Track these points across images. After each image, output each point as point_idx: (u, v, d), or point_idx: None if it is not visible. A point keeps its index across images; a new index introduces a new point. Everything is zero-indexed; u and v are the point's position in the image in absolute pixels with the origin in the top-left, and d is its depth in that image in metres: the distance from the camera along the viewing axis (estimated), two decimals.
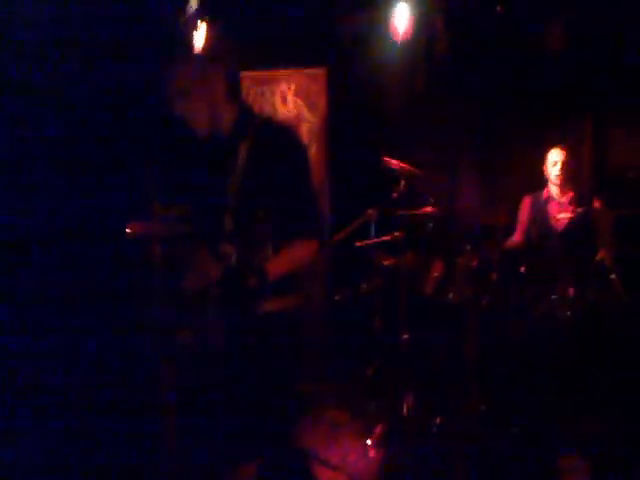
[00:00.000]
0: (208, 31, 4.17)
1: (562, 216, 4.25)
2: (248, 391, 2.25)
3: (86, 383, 3.44)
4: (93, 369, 3.49)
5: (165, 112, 2.46)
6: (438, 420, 3.75)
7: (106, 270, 3.68)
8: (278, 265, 2.22)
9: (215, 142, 2.38)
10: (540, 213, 4.37)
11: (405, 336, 4.01)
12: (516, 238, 4.42)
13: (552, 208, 4.36)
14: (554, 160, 4.32)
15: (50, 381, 3.43)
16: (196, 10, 4.15)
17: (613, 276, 3.91)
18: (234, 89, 2.39)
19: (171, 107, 2.36)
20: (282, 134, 2.34)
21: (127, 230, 2.93)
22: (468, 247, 3.99)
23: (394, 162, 4.20)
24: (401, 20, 4.69)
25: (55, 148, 3.82)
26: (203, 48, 3.97)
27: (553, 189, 4.38)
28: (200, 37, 4.14)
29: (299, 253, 2.29)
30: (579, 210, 4.19)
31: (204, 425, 2.29)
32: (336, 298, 4.41)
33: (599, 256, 4.05)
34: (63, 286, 3.60)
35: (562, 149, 4.33)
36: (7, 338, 3.36)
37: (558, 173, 4.30)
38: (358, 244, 4.20)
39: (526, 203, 4.47)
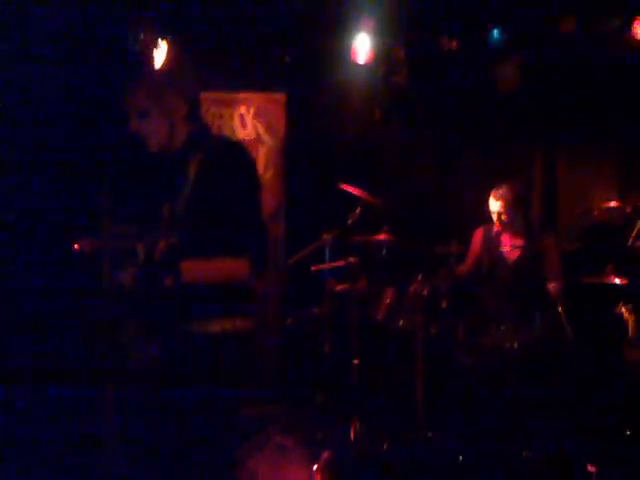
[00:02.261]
0: (169, 50, 4.18)
1: (512, 248, 4.31)
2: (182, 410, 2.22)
3: None
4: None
5: (120, 129, 2.45)
6: (385, 446, 3.76)
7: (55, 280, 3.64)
8: (194, 268, 2.17)
9: (166, 157, 2.37)
10: (491, 244, 4.43)
11: (355, 361, 4.02)
12: (467, 267, 4.48)
13: (504, 240, 4.42)
14: (492, 210, 4.26)
15: None
16: (157, 29, 4.14)
17: (560, 309, 4.00)
18: (193, 109, 2.39)
19: (128, 125, 2.35)
20: (232, 151, 2.34)
21: (75, 246, 2.89)
22: (420, 275, 4.04)
23: (350, 188, 4.25)
24: (362, 48, 4.77)
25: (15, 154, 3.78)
26: (163, 67, 3.99)
27: (498, 228, 4.39)
28: (160, 56, 4.15)
29: (222, 265, 2.24)
30: (529, 244, 4.27)
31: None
32: (288, 321, 4.40)
33: (548, 287, 4.14)
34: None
35: (498, 198, 4.20)
36: None
37: (496, 222, 4.25)
38: (313, 268, 4.21)
39: (478, 234, 4.51)
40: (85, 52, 3.95)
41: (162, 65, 3.96)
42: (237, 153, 2.34)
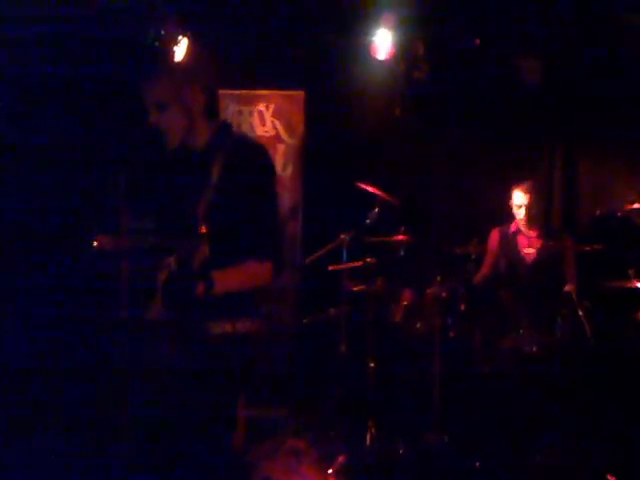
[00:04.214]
0: (189, 46, 4.15)
1: (529, 251, 4.26)
2: (187, 412, 2.20)
3: None
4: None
5: (140, 124, 2.43)
6: (401, 450, 3.73)
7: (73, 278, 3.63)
8: (226, 277, 2.18)
9: (189, 156, 2.35)
10: (509, 246, 4.38)
11: (371, 364, 3.98)
12: (484, 270, 4.42)
13: (520, 241, 4.37)
14: (518, 203, 4.25)
15: None
16: (177, 26, 4.12)
17: (580, 312, 3.93)
18: (212, 105, 2.37)
19: (147, 119, 2.32)
20: (256, 155, 2.33)
21: (94, 243, 2.87)
22: (438, 277, 3.99)
23: (368, 187, 4.20)
24: (382, 45, 4.71)
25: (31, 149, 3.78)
26: (182, 62, 3.97)
27: (521, 223, 4.36)
28: (180, 51, 4.12)
29: (250, 271, 2.24)
30: (547, 244, 4.21)
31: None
32: (304, 322, 4.38)
33: (566, 289, 4.08)
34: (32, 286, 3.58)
35: (526, 192, 4.21)
36: None
37: (522, 216, 4.25)
38: (331, 268, 4.17)
39: (495, 235, 4.46)
40: (105, 47, 3.94)
41: (182, 60, 3.93)
42: (261, 157, 2.32)
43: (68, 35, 3.86)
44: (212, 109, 2.38)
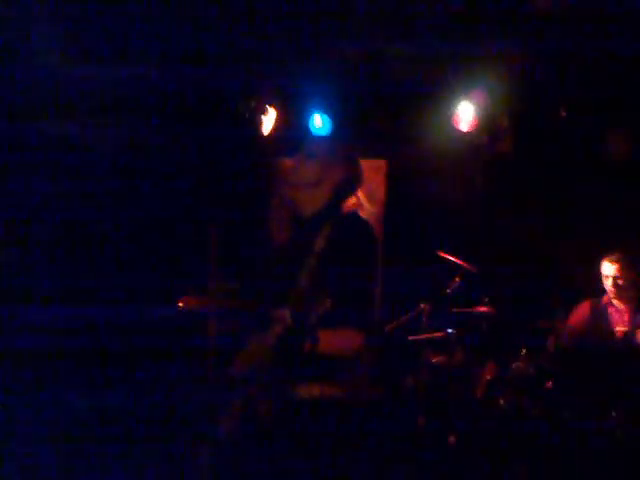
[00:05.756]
0: (277, 116, 4.29)
1: (620, 328, 4.08)
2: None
3: None
4: None
5: (233, 190, 2.50)
6: None
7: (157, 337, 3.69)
8: (328, 339, 2.18)
9: (296, 223, 2.38)
10: (600, 319, 4.20)
11: (452, 439, 3.84)
12: (564, 343, 4.21)
13: (612, 315, 4.19)
14: (606, 274, 4.15)
15: None
16: (266, 96, 4.27)
17: None
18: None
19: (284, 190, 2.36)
20: (363, 230, 2.35)
21: (179, 304, 2.92)
22: (524, 351, 3.84)
23: (449, 257, 4.16)
24: (465, 116, 4.74)
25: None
26: (270, 132, 4.09)
27: (611, 295, 4.20)
28: (269, 121, 4.26)
29: (348, 337, 2.25)
30: (637, 319, 4.03)
31: None
32: (381, 390, 4.28)
33: None
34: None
35: (614, 262, 4.12)
36: None
37: (610, 287, 4.13)
38: (411, 338, 4.09)
39: (585, 308, 4.29)
40: (199, 116, 4.10)
41: (269, 129, 4.06)
42: (365, 231, 2.34)
43: (165, 101, 4.04)
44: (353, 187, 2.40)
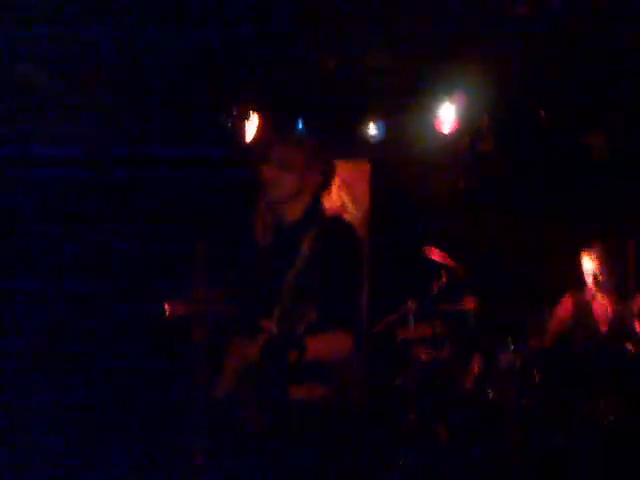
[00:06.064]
0: (260, 122, 4.35)
1: (604, 321, 4.13)
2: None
3: None
4: None
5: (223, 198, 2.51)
6: None
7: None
8: (315, 345, 2.20)
9: (280, 229, 2.40)
10: (584, 313, 4.24)
11: (442, 432, 3.88)
12: (550, 337, 4.26)
13: (596, 308, 4.23)
14: (586, 270, 4.16)
15: None
16: (248, 101, 4.33)
17: None
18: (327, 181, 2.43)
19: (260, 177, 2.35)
20: (348, 232, 2.37)
21: (166, 309, 2.95)
22: (511, 344, 3.89)
23: (436, 254, 4.21)
24: (447, 118, 4.81)
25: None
26: (254, 138, 4.14)
27: (593, 289, 4.25)
28: (252, 127, 4.32)
29: (336, 341, 2.27)
30: (617, 309, 4.08)
31: None
32: (370, 389, 4.33)
33: None
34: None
35: (593, 259, 4.12)
36: None
37: (592, 283, 4.14)
38: (402, 335, 4.14)
39: (567, 303, 4.34)
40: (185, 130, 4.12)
41: (253, 135, 4.11)
42: (350, 232, 2.38)
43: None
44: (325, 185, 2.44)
